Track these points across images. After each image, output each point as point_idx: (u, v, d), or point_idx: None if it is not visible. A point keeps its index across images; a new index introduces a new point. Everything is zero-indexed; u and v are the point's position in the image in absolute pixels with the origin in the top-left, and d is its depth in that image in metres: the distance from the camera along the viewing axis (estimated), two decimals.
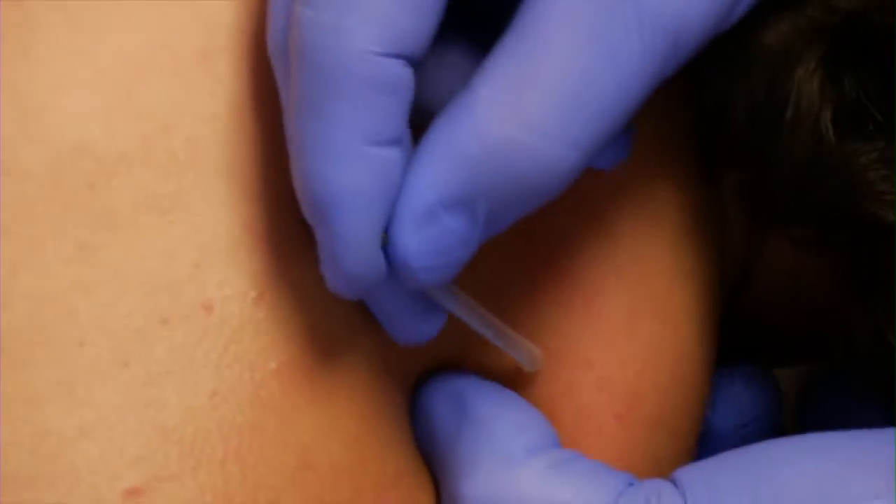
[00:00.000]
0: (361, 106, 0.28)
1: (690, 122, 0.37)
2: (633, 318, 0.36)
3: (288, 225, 0.32)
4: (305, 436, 0.31)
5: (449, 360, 0.36)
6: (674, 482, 0.32)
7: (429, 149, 0.29)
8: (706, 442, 0.42)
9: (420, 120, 0.30)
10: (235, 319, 0.31)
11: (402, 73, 0.28)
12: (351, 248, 0.29)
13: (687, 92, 0.36)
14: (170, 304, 0.31)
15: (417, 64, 0.29)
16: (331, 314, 0.32)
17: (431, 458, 0.35)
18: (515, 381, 0.36)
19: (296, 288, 0.32)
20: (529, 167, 0.28)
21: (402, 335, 0.32)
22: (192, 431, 0.30)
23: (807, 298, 0.41)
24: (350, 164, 0.28)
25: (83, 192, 0.31)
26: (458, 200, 0.29)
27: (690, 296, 0.37)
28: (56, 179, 0.31)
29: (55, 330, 0.30)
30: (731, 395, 0.42)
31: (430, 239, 0.29)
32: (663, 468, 0.37)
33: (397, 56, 0.28)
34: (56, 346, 0.30)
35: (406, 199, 0.29)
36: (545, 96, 0.28)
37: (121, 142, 0.31)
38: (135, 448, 0.29)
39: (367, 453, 0.32)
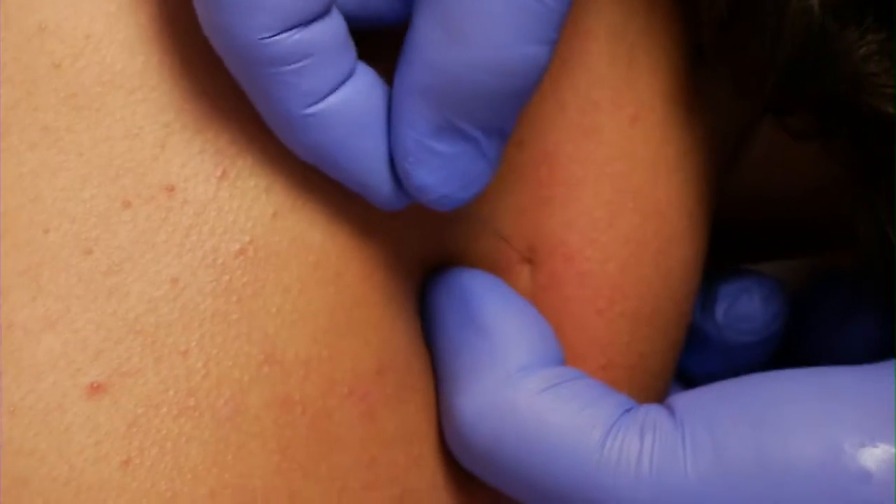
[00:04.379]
0: (287, 83, 0.29)
1: (676, 8, 0.35)
2: (614, 213, 0.35)
3: None
4: (269, 326, 0.30)
5: (452, 250, 0.35)
6: (671, 410, 0.31)
7: (395, 91, 0.30)
8: (711, 351, 0.42)
9: None
10: (199, 200, 0.30)
11: (306, 39, 0.29)
12: (374, 189, 0.31)
13: None
14: (133, 186, 0.30)
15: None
16: (302, 193, 0.31)
17: (434, 356, 0.34)
18: (508, 272, 0.35)
19: (264, 165, 0.31)
20: (488, 76, 0.29)
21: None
22: (153, 322, 0.29)
23: (797, 192, 0.40)
24: (305, 126, 0.30)
25: (49, 74, 0.30)
26: (438, 127, 0.30)
27: (676, 187, 0.36)
28: (21, 62, 0.30)
29: (20, 217, 0.29)
30: (746, 311, 0.42)
31: (437, 168, 0.30)
32: (648, 362, 0.37)
33: (294, 27, 0.29)
34: (21, 233, 0.29)
35: (396, 144, 0.31)
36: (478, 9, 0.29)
37: (87, 21, 0.31)
38: (97, 341, 0.29)
39: (341, 345, 0.31)
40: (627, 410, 0.31)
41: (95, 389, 0.29)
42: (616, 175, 0.35)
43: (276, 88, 0.29)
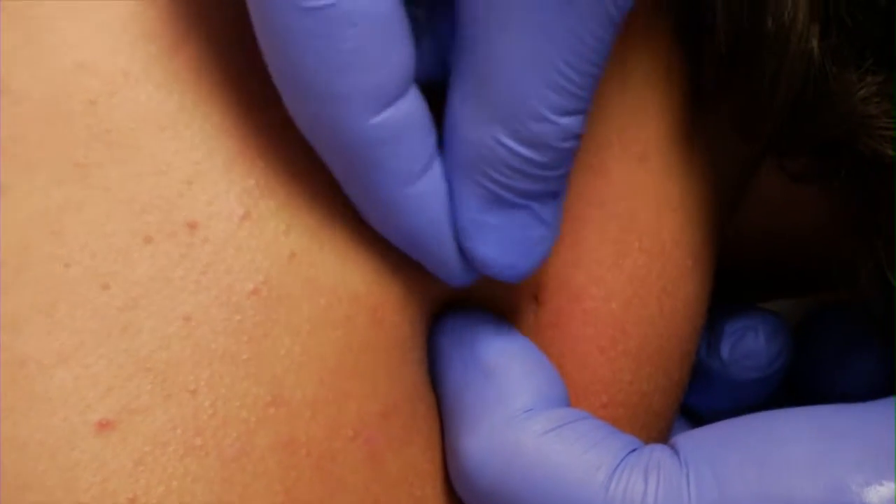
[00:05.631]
0: (385, 162, 0.30)
1: (678, 50, 0.36)
2: (619, 252, 0.35)
3: (288, 142, 0.31)
4: (277, 367, 0.30)
5: (459, 290, 0.35)
6: (675, 450, 0.31)
7: (446, 171, 0.31)
8: (716, 387, 0.42)
9: None
10: (219, 238, 0.30)
11: (401, 111, 0.30)
12: (448, 268, 0.32)
13: (673, 18, 0.35)
14: (157, 222, 0.30)
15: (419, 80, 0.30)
16: (319, 237, 0.32)
17: (440, 397, 0.34)
18: (514, 310, 0.35)
19: (287, 208, 0.31)
20: (524, 148, 0.30)
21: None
22: (164, 359, 0.29)
23: (800, 231, 0.40)
24: (402, 208, 0.31)
25: (84, 110, 0.30)
26: (487, 201, 0.31)
27: (680, 227, 0.36)
28: (56, 99, 0.30)
29: (41, 251, 0.29)
30: (752, 348, 0.42)
31: (494, 241, 0.31)
32: (650, 401, 0.37)
33: (391, 104, 0.30)
34: (41, 268, 0.29)
35: (456, 224, 0.32)
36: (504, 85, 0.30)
37: (125, 60, 0.31)
38: (108, 377, 0.29)
39: (348, 388, 0.31)
40: (632, 451, 0.31)
41: (104, 426, 0.29)
42: (623, 214, 0.35)
43: (376, 170, 0.30)
